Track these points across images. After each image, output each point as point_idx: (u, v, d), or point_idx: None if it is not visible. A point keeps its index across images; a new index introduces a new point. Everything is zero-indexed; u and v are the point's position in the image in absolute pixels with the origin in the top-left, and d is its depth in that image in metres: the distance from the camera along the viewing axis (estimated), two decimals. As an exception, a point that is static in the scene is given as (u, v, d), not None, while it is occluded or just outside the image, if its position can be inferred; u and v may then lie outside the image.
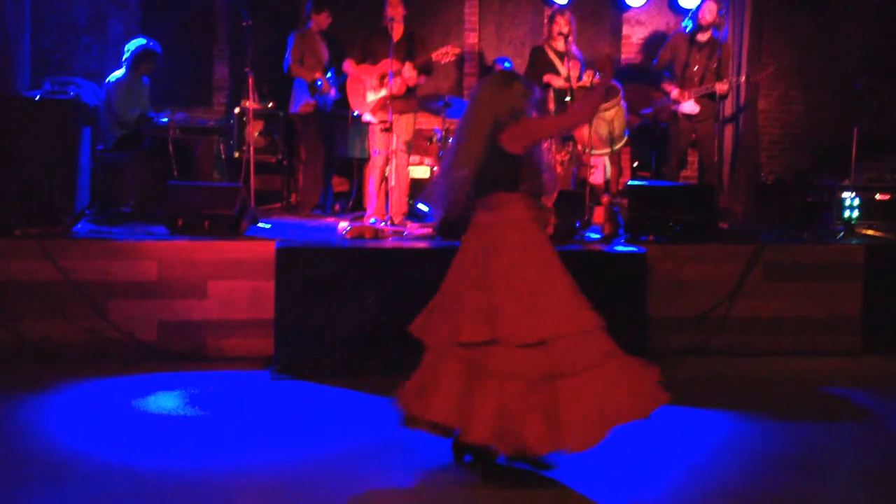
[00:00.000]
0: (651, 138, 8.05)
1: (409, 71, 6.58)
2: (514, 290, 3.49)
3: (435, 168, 7.42)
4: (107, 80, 7.10)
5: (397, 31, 6.72)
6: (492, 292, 3.51)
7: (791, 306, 5.89)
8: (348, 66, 6.75)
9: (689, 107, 7.08)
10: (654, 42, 9.16)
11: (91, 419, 4.23)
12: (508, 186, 3.63)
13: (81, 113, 6.18)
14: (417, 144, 8.20)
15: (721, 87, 6.95)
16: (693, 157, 7.98)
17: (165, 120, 6.97)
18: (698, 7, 7.17)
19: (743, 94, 7.75)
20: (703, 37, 7.10)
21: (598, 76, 6.85)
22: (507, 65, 8.30)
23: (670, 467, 3.82)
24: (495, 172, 3.62)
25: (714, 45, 7.07)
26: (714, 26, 7.09)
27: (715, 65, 7.00)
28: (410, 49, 6.62)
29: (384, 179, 6.75)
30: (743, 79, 7.19)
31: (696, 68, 7.06)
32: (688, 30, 7.32)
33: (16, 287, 5.13)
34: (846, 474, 3.95)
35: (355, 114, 6.92)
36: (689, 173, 8.32)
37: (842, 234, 6.65)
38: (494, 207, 3.62)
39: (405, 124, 6.73)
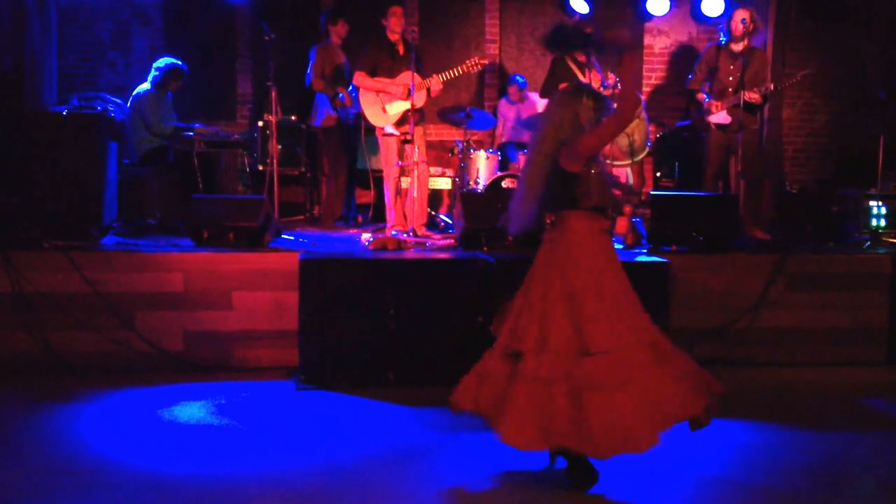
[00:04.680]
0: (673, 148, 8.02)
1: (436, 84, 6.65)
2: (580, 304, 3.51)
3: (456, 179, 7.47)
4: (134, 94, 7.21)
5: (402, 44, 6.79)
6: (557, 306, 3.54)
7: (816, 316, 5.84)
8: (359, 78, 6.80)
9: (721, 117, 6.94)
10: (677, 52, 9.18)
11: (119, 428, 4.27)
12: (571, 204, 3.59)
13: (108, 127, 6.27)
14: (438, 156, 8.27)
15: (751, 96, 6.77)
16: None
17: (191, 133, 7.07)
18: (728, 18, 7.06)
19: (767, 104, 7.67)
20: (737, 46, 6.97)
21: (619, 81, 6.85)
22: (520, 80, 8.35)
23: (691, 476, 3.80)
24: (559, 190, 3.60)
25: (750, 54, 6.96)
26: (748, 35, 6.97)
27: (750, 75, 6.88)
28: (418, 60, 6.67)
29: (400, 191, 6.80)
30: (772, 86, 7.01)
31: (730, 79, 6.90)
32: (722, 41, 7.21)
33: (45, 299, 5.20)
34: (872, 486, 3.89)
35: (377, 126, 6.95)
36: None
37: (868, 243, 6.59)
38: (559, 224, 3.63)
39: (420, 136, 6.79)
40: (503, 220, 3.78)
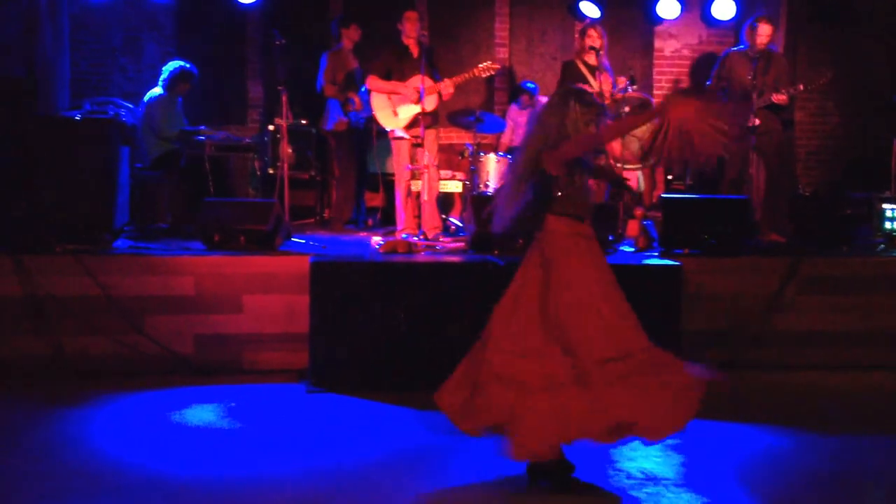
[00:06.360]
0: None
1: (447, 88, 6.65)
2: (563, 307, 3.55)
3: (467, 183, 7.46)
4: (145, 99, 7.25)
5: (416, 48, 6.79)
6: (546, 308, 3.58)
7: (829, 320, 5.79)
8: (372, 82, 6.81)
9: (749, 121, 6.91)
10: (688, 55, 9.15)
11: (130, 432, 4.28)
12: (550, 208, 3.64)
13: (120, 132, 6.30)
14: (449, 159, 8.27)
15: (779, 98, 6.78)
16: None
17: (202, 137, 7.09)
18: (751, 28, 7.02)
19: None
20: (756, 52, 6.98)
21: (629, 84, 6.85)
22: (530, 86, 8.34)
23: (701, 480, 3.77)
24: (542, 192, 3.65)
25: (769, 58, 6.97)
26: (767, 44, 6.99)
27: (772, 78, 6.88)
28: (431, 64, 6.67)
29: (411, 194, 6.80)
30: (801, 87, 6.99)
31: (753, 83, 6.90)
32: (741, 48, 7.20)
33: (56, 302, 5.22)
34: (883, 490, 3.85)
35: (387, 129, 6.96)
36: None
37: (882, 246, 6.55)
38: (543, 226, 3.66)
39: (432, 139, 6.79)
40: (489, 217, 3.87)
